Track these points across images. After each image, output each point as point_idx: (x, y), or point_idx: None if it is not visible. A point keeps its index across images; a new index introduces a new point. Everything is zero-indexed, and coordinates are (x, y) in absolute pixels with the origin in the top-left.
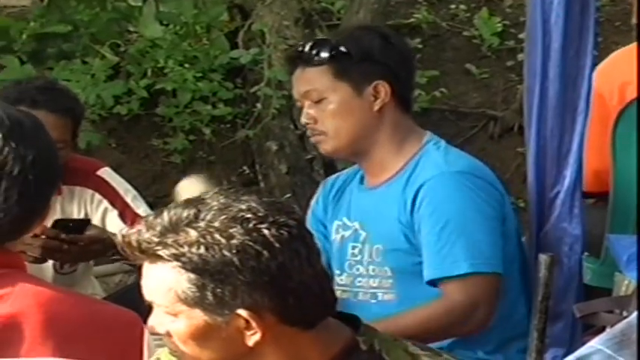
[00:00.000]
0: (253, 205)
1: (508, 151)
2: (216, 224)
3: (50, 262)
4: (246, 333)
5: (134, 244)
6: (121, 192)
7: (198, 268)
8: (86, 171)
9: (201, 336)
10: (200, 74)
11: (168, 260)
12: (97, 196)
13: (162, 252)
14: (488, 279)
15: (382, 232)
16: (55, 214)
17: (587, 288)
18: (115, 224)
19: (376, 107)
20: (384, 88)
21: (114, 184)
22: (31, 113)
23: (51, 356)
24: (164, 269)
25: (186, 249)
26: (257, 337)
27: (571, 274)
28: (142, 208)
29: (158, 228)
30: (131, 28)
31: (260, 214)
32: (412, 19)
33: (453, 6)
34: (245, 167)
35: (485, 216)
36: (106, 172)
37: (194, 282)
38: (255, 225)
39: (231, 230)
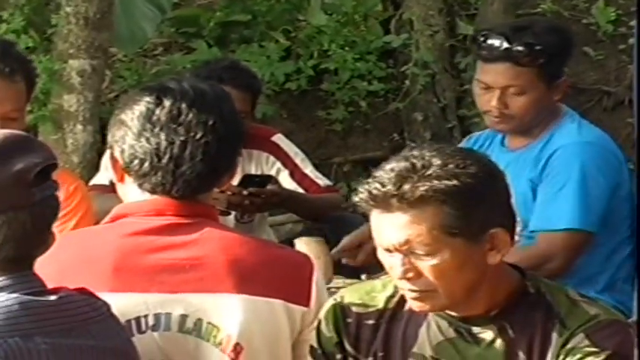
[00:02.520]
0: (450, 151)
1: (619, 121)
2: (446, 161)
3: (232, 213)
4: (490, 253)
5: (391, 196)
6: (292, 155)
7: (455, 199)
8: (262, 137)
9: (460, 264)
10: (358, 56)
11: (429, 199)
12: (272, 158)
13: (422, 192)
14: (575, 236)
15: (515, 188)
16: (236, 173)
17: None
18: (286, 182)
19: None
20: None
21: (285, 148)
22: (219, 87)
23: (231, 292)
24: (423, 210)
25: (436, 183)
26: (499, 256)
27: None
28: (308, 169)
29: (402, 177)
30: (301, 17)
31: (463, 153)
32: (539, 9)
33: None
34: (395, 135)
35: (598, 185)
36: (279, 138)
37: (454, 213)
38: (471, 160)
39: (460, 163)
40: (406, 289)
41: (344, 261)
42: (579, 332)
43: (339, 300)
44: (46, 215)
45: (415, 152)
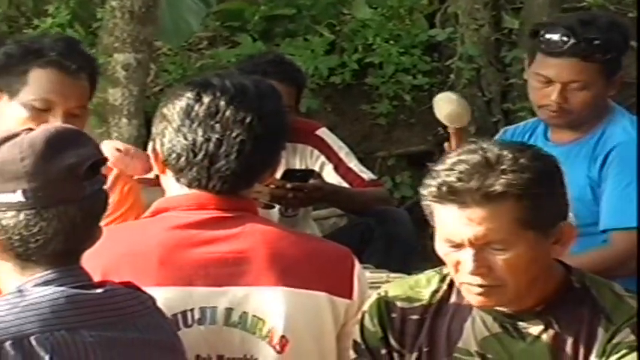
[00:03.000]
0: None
1: None
2: (516, 154)
3: (277, 207)
4: (554, 247)
5: (473, 191)
6: (336, 148)
7: (529, 192)
8: (307, 131)
9: (531, 258)
10: (403, 50)
11: (507, 193)
12: (316, 152)
13: (502, 186)
14: None
15: (570, 183)
16: (280, 167)
17: None
18: (330, 176)
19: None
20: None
21: (330, 142)
22: (265, 81)
23: (274, 285)
24: (501, 204)
25: (514, 177)
26: (563, 249)
27: None
28: (353, 163)
29: (481, 172)
30: (345, 11)
31: (525, 146)
32: (584, 3)
33: None
34: (439, 128)
35: None
36: (324, 132)
37: (530, 206)
38: (535, 153)
39: (529, 156)
40: (474, 284)
41: None
42: (625, 327)
43: (383, 295)
44: (95, 209)
45: (484, 145)
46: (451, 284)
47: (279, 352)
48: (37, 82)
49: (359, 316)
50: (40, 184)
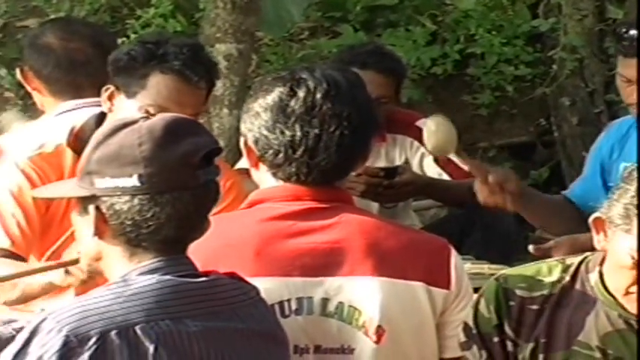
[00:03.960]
0: None
1: None
2: None
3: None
4: None
5: None
6: None
7: None
8: (407, 122)
9: None
10: (505, 40)
11: None
12: (416, 143)
13: None
14: None
15: None
16: (380, 158)
17: None
18: (430, 167)
19: None
20: None
21: None
22: (352, 72)
23: (370, 275)
24: None
25: None
26: None
27: None
28: None
29: None
30: (447, 1)
31: None
32: None
33: None
34: (541, 119)
35: None
36: (424, 123)
37: None
38: None
39: None
40: None
41: None
42: None
43: (501, 281)
44: (207, 199)
45: None
46: (574, 275)
47: (375, 342)
48: (156, 88)
49: (466, 301)
50: (156, 170)
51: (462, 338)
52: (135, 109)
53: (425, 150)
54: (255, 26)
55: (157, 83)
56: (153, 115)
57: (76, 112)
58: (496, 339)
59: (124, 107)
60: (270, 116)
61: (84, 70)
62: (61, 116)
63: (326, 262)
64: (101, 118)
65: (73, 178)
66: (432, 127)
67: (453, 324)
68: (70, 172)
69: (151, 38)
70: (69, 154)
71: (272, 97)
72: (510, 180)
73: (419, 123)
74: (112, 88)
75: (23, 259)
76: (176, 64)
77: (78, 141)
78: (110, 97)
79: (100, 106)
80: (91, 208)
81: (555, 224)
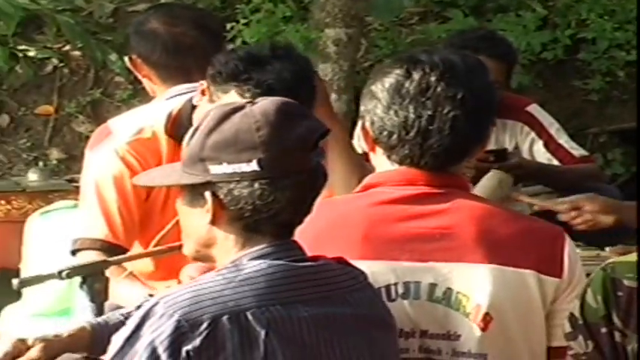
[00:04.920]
0: None
1: None
2: None
3: None
4: None
5: None
6: (546, 125)
7: None
8: (517, 107)
9: None
10: (617, 25)
11: None
12: (526, 129)
13: None
14: None
15: None
16: (490, 143)
17: None
18: (540, 152)
19: None
20: None
21: (540, 119)
22: (475, 58)
23: (481, 262)
24: None
25: None
26: None
27: None
28: (563, 139)
29: None
30: None
31: None
32: None
33: None
34: None
35: None
36: (534, 108)
37: None
38: None
39: None
40: None
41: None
42: None
43: (609, 271)
44: (318, 182)
45: None
46: None
47: (482, 330)
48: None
49: (578, 291)
50: (274, 154)
51: (568, 329)
52: None
53: (535, 135)
54: (364, 11)
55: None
56: None
57: (182, 97)
58: (604, 329)
59: (204, 107)
60: (386, 97)
61: (191, 53)
62: (173, 99)
63: (436, 248)
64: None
65: (171, 164)
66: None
67: (563, 313)
68: (167, 158)
69: (259, 47)
70: (165, 139)
71: (389, 79)
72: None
73: (529, 108)
74: (204, 85)
75: (123, 250)
76: (250, 93)
77: (175, 126)
78: (203, 92)
79: None
80: (208, 194)
81: None
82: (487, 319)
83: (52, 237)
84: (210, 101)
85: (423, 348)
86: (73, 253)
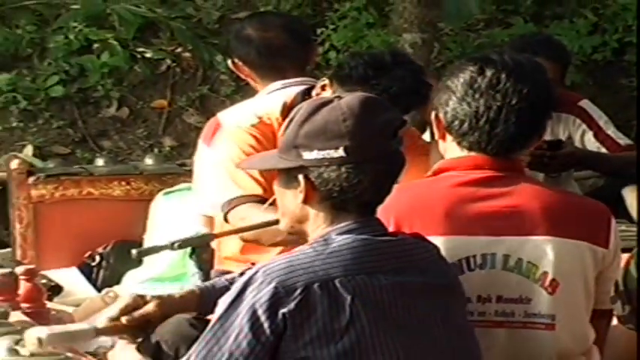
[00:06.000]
0: None
1: None
2: None
3: None
4: None
5: None
6: (596, 118)
7: None
8: (571, 102)
9: None
10: None
11: None
12: (578, 121)
13: None
14: None
15: None
16: (546, 133)
17: None
18: (590, 142)
19: None
20: None
21: (591, 112)
22: (533, 58)
23: (545, 235)
24: None
25: None
26: None
27: None
28: (611, 130)
29: None
30: None
31: None
32: None
33: None
34: None
35: None
36: (585, 103)
37: None
38: None
39: None
40: None
41: None
42: None
43: None
44: (397, 166)
45: None
46: None
47: (550, 294)
48: None
49: (623, 262)
50: (359, 142)
51: (612, 293)
52: None
53: (586, 127)
54: (437, 18)
55: None
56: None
57: (285, 90)
58: None
59: None
60: (460, 91)
61: (282, 54)
62: (272, 94)
63: (507, 224)
64: (305, 94)
65: (269, 150)
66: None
67: (609, 280)
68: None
69: (378, 61)
70: (279, 124)
71: (463, 75)
72: None
73: (581, 103)
74: (327, 81)
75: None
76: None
77: (289, 113)
78: (323, 88)
79: (303, 84)
80: (301, 177)
81: None
82: (554, 284)
83: (172, 213)
84: None
85: (499, 312)
86: (225, 216)
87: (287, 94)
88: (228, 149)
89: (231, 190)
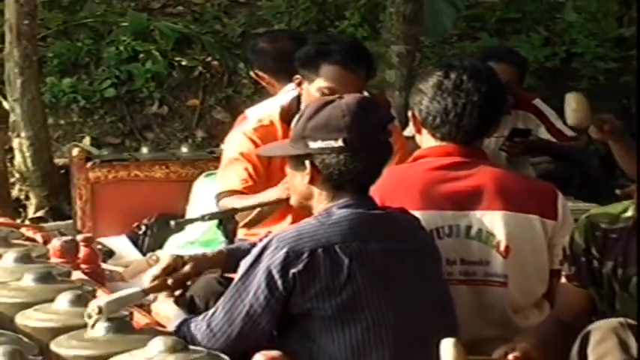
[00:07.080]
0: None
1: None
2: None
3: (503, 155)
4: None
5: None
6: (547, 114)
7: None
8: (527, 101)
9: None
10: (599, 43)
11: None
12: (532, 117)
13: None
14: None
15: None
16: (507, 127)
17: None
18: (543, 134)
19: None
20: None
21: (543, 109)
22: (485, 63)
23: (500, 210)
24: None
25: None
26: None
27: None
28: (559, 124)
29: None
30: (557, 15)
31: None
32: None
33: None
34: (624, 100)
35: None
36: (538, 102)
37: None
38: None
39: None
40: None
41: None
42: None
43: (590, 218)
44: (386, 154)
45: None
46: None
47: (504, 257)
48: (325, 75)
49: (568, 230)
50: (355, 135)
51: (560, 257)
52: (314, 91)
53: (539, 122)
54: (419, 33)
55: (326, 72)
56: (327, 94)
57: (290, 94)
58: (583, 259)
59: (308, 90)
60: (431, 92)
61: (290, 58)
62: (287, 93)
63: (469, 200)
64: (298, 97)
65: (282, 140)
66: (573, 105)
67: (559, 245)
68: (281, 137)
69: (321, 39)
70: (280, 124)
71: (432, 79)
72: (612, 121)
73: (535, 102)
74: (299, 77)
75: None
76: (338, 57)
77: (286, 115)
78: (299, 84)
79: None
80: (307, 162)
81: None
82: (507, 250)
83: (210, 192)
84: None
85: (462, 272)
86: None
87: (285, 99)
88: (229, 149)
89: (222, 185)
